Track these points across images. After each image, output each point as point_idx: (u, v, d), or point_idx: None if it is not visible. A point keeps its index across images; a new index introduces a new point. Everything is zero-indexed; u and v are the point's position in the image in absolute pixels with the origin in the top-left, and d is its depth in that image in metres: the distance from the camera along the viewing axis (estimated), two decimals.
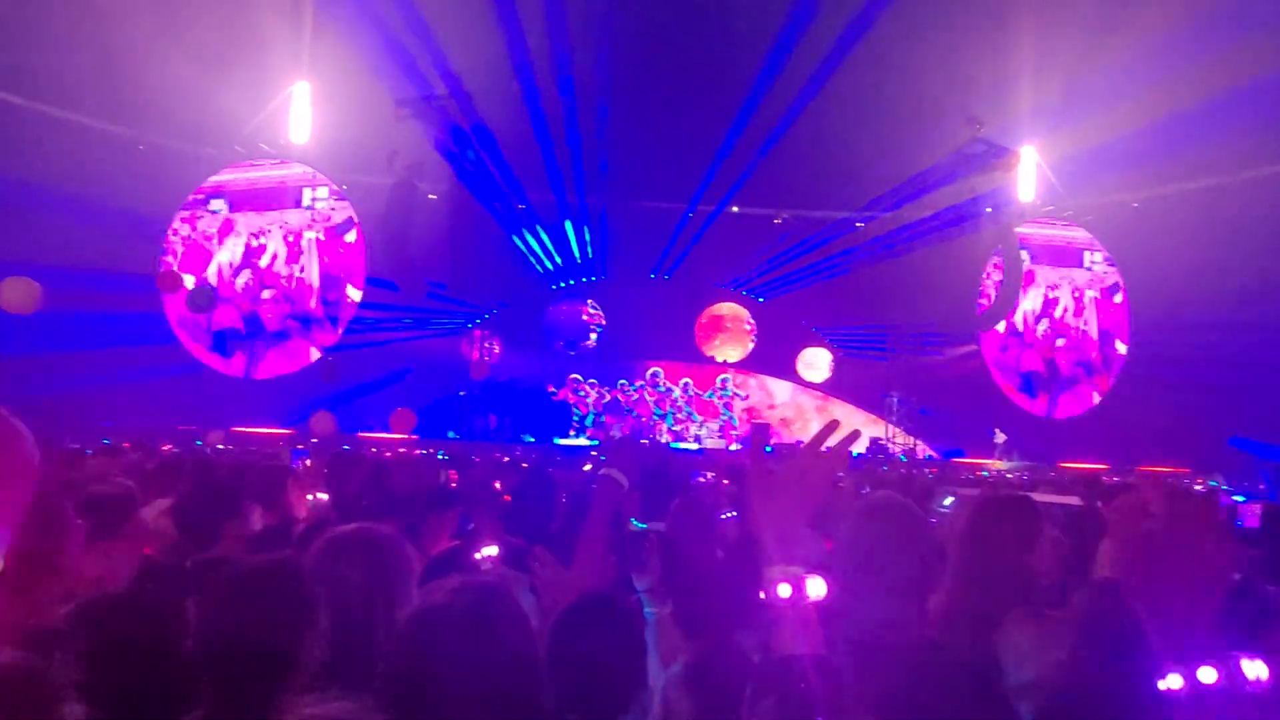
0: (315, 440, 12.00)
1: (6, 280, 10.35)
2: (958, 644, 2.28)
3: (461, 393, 18.46)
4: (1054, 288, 18.73)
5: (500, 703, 1.43)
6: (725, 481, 5.78)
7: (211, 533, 3.33)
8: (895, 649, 1.84)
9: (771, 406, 20.94)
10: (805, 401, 20.89)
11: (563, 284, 20.73)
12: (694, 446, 18.68)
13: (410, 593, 1.96)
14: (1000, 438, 13.81)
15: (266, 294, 17.21)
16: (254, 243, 17.25)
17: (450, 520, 3.74)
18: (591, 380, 20.39)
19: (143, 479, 4.66)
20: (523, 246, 19.55)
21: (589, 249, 20.06)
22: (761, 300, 20.84)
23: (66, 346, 13.62)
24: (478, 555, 2.97)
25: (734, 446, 18.83)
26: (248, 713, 1.59)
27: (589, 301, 20.66)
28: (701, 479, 6.04)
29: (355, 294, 17.52)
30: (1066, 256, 18.77)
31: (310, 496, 4.69)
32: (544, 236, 19.63)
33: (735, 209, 19.33)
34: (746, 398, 20.84)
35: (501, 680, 1.45)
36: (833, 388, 20.74)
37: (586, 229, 19.58)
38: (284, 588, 1.75)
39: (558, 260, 20.21)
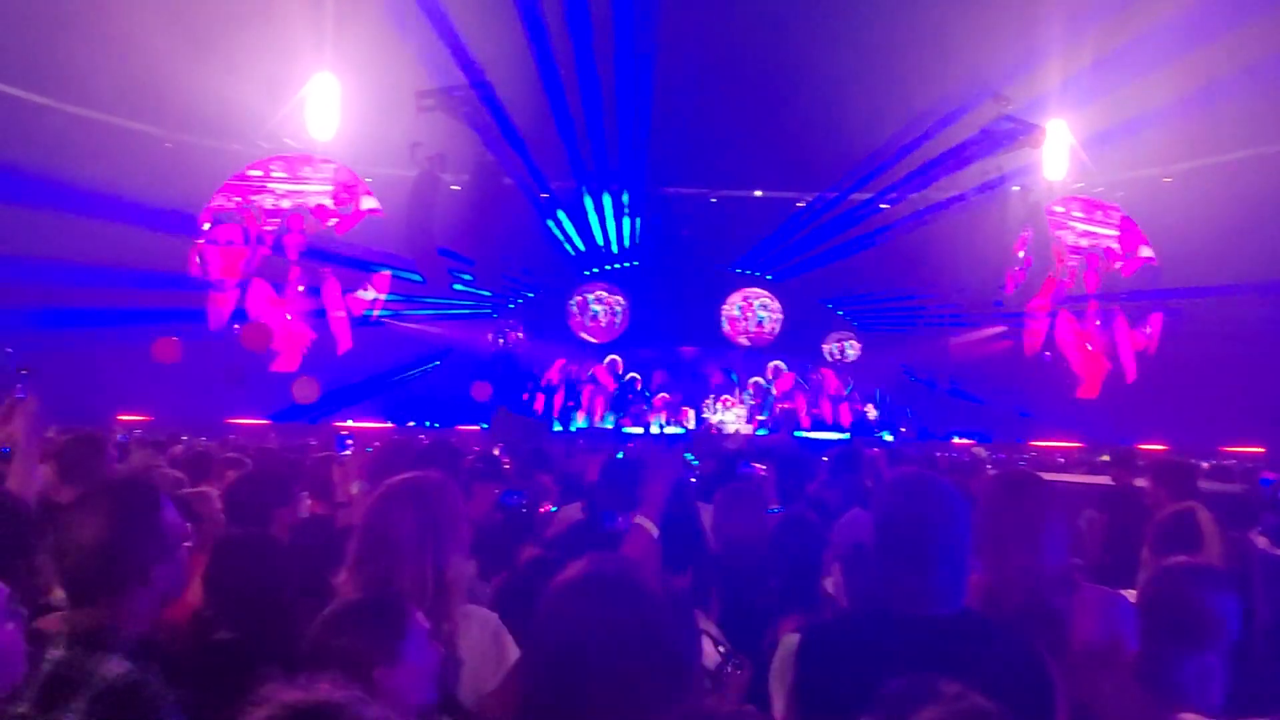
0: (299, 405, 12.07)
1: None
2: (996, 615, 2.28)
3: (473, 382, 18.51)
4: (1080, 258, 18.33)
5: (648, 677, 1.44)
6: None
7: (261, 519, 3.39)
8: (937, 620, 1.87)
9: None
10: None
11: (591, 270, 20.75)
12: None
13: (461, 536, 2.08)
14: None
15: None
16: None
17: (492, 491, 3.81)
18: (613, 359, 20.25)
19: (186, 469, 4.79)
20: (557, 233, 19.58)
21: (615, 236, 20.05)
22: (770, 278, 20.74)
23: (96, 342, 13.82)
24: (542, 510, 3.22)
25: (761, 431, 18.75)
26: None
27: (598, 288, 20.68)
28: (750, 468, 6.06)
29: None
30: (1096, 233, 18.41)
31: (354, 486, 4.76)
32: (568, 224, 19.64)
33: (758, 193, 19.23)
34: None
35: (646, 654, 1.46)
36: (857, 371, 20.57)
37: (612, 215, 19.55)
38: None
39: (581, 247, 20.21)
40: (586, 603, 1.47)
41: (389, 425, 14.93)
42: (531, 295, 20.46)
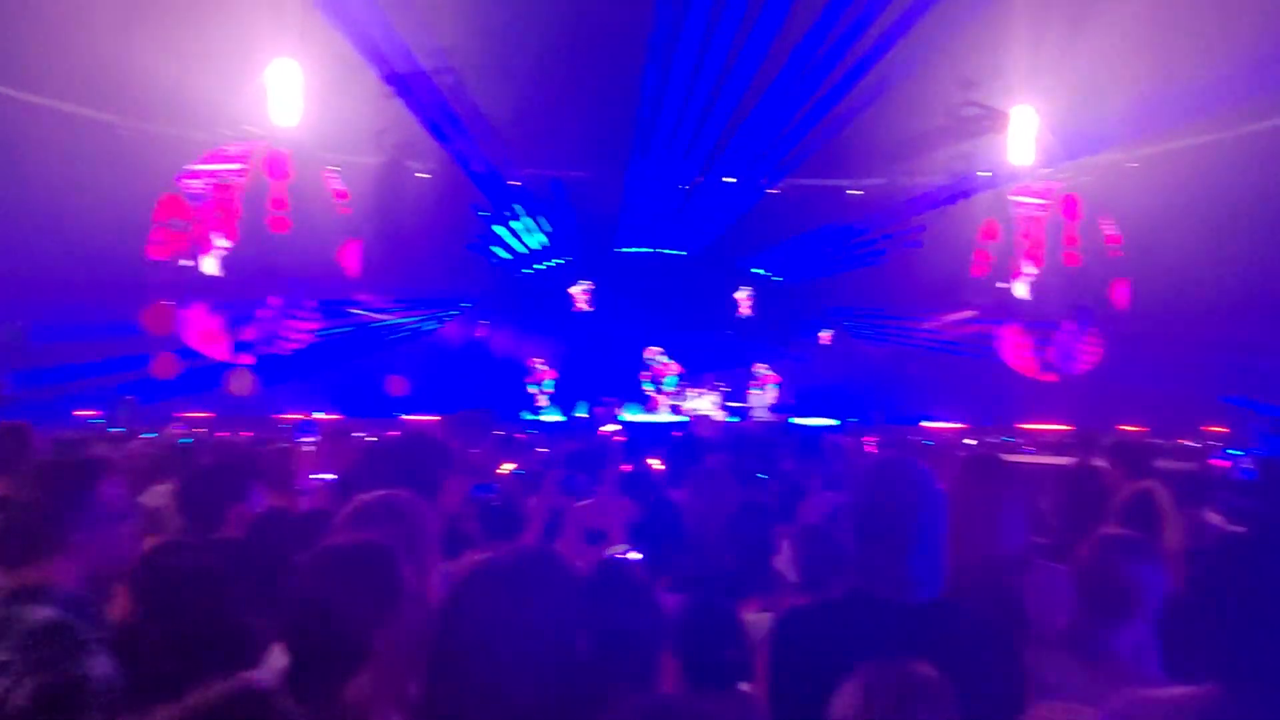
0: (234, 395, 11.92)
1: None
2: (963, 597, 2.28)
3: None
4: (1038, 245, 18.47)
5: (539, 663, 1.42)
6: None
7: (216, 515, 3.31)
8: (912, 605, 1.87)
9: None
10: None
11: (556, 261, 20.65)
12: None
13: (434, 554, 2.09)
14: None
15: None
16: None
17: (463, 484, 3.77)
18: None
19: (151, 465, 4.71)
20: (518, 224, 19.45)
21: (578, 226, 19.96)
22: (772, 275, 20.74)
23: (51, 338, 13.57)
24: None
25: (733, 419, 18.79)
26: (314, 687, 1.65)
27: (582, 282, 20.57)
28: None
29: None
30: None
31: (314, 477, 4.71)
32: (536, 215, 19.53)
33: (731, 179, 19.24)
34: None
35: (543, 641, 1.44)
36: None
37: (579, 206, 19.46)
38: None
39: (544, 241, 20.12)
40: (496, 590, 1.44)
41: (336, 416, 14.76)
42: (498, 281, 20.32)
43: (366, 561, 1.79)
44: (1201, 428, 13.96)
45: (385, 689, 1.74)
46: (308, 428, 8.42)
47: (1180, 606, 1.73)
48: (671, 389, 19.46)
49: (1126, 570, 2.14)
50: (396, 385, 15.13)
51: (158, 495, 3.96)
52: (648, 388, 19.45)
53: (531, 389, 18.93)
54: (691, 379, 19.66)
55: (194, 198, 15.41)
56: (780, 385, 19.56)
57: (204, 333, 15.19)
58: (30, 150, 13.11)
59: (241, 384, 12.50)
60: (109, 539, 1.98)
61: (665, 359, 19.61)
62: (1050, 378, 17.49)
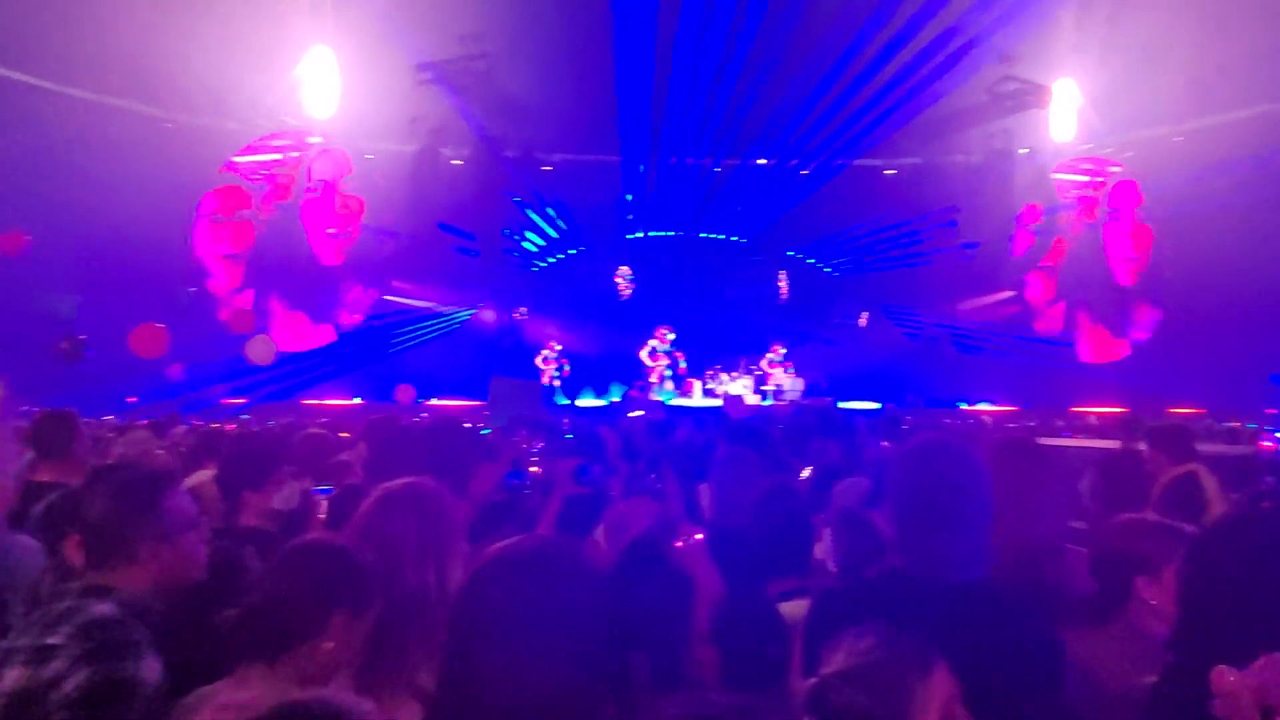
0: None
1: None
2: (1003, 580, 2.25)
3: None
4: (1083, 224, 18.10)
5: (564, 650, 1.41)
6: None
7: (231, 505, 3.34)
8: (949, 584, 1.83)
9: None
10: None
11: (573, 250, 20.60)
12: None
13: (459, 544, 2.06)
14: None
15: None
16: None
17: (497, 471, 3.78)
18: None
19: (192, 451, 4.79)
20: (550, 210, 19.45)
21: (617, 210, 19.91)
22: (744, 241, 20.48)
23: (96, 325, 13.82)
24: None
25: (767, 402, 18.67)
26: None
27: (621, 268, 20.52)
28: None
29: None
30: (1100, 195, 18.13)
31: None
32: (568, 197, 19.51)
33: (762, 161, 19.06)
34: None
35: (566, 627, 1.43)
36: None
37: (613, 189, 19.41)
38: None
39: (582, 221, 20.08)
40: (509, 578, 1.44)
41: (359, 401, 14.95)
42: (535, 270, 20.36)
43: (319, 559, 1.84)
44: (1266, 410, 13.51)
45: (344, 667, 1.78)
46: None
47: (1197, 589, 1.69)
48: (670, 376, 19.38)
49: (1140, 553, 2.10)
50: (404, 394, 15.22)
51: (200, 481, 4.04)
52: (661, 371, 19.26)
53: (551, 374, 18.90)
54: (727, 363, 19.56)
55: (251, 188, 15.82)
56: (794, 369, 19.33)
57: (288, 325, 15.35)
58: (83, 147, 13.38)
59: (263, 352, 12.19)
60: (178, 549, 2.02)
61: (669, 346, 19.49)
62: (1120, 352, 17.00)
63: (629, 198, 19.55)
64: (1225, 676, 0.81)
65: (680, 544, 2.65)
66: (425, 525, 2.00)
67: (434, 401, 16.37)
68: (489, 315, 12.69)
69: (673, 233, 20.56)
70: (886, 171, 18.35)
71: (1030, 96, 15.46)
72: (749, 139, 17.95)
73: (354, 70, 15.42)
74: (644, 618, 1.90)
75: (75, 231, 13.21)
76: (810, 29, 14.36)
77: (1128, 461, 4.03)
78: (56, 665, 1.73)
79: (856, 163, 17.95)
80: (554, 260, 20.50)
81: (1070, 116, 15.79)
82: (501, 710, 1.36)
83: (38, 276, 13.11)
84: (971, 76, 15.15)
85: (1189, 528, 2.18)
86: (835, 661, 1.41)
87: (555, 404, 17.09)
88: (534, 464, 4.18)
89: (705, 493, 3.62)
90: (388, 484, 2.11)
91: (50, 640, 1.77)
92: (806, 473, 4.63)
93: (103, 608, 1.85)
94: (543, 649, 1.37)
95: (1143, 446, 4.33)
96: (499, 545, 1.51)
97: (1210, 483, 3.67)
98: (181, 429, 7.68)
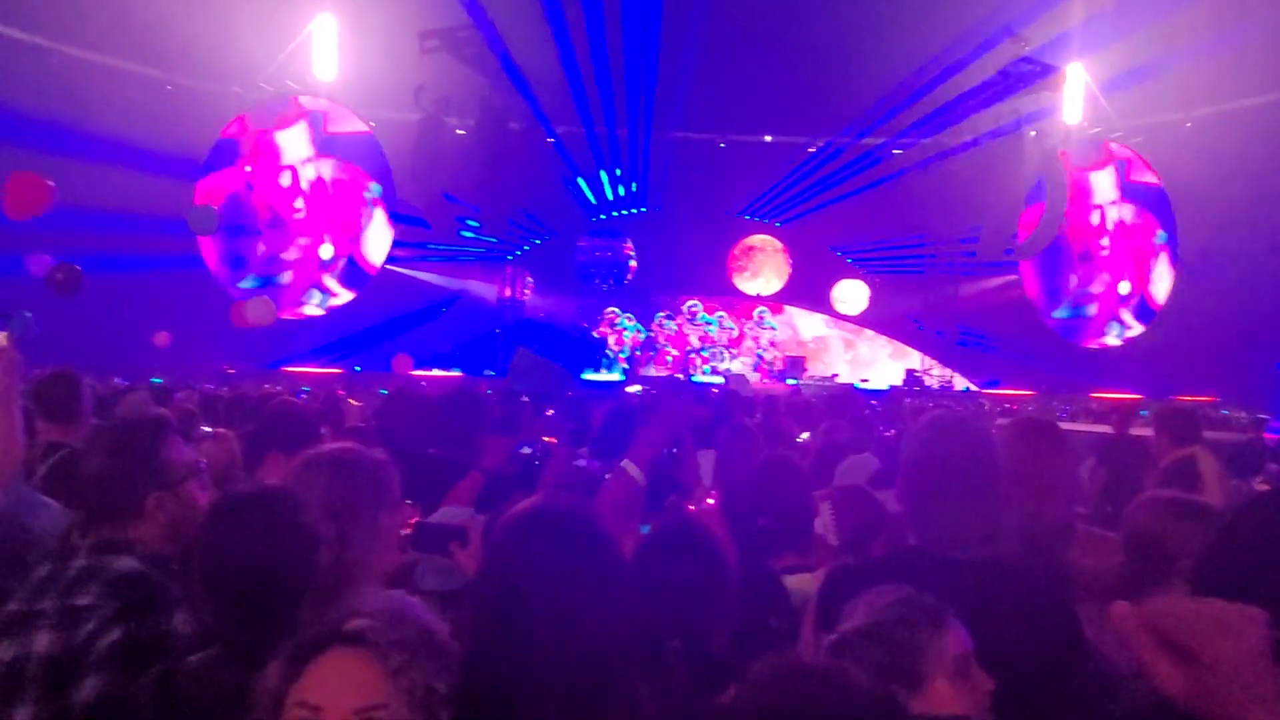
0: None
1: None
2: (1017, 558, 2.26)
3: (497, 330, 18.56)
4: (1092, 210, 17.99)
5: (593, 611, 1.41)
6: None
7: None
8: (963, 561, 1.82)
9: (800, 342, 20.82)
10: (833, 335, 20.86)
11: (597, 218, 20.54)
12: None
13: (385, 522, 1.94)
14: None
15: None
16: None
17: (508, 442, 3.78)
18: (629, 315, 20.28)
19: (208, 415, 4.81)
20: (555, 181, 19.36)
21: (620, 184, 19.80)
22: (780, 225, 20.47)
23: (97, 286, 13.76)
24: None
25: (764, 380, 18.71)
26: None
27: (625, 239, 20.47)
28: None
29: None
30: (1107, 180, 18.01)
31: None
32: (574, 169, 19.40)
33: (768, 138, 18.92)
34: (775, 330, 20.79)
35: (592, 587, 1.43)
36: (864, 320, 20.53)
37: (618, 163, 19.29)
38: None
39: (588, 193, 19.99)
40: (532, 536, 1.44)
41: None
42: (539, 242, 20.28)
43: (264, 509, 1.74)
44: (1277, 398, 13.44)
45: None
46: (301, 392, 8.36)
47: (1214, 567, 1.69)
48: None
49: (1174, 532, 2.11)
50: (401, 364, 15.13)
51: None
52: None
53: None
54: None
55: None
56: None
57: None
58: (91, 106, 13.28)
59: (262, 313, 11.76)
60: (182, 498, 1.97)
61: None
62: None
63: (618, 172, 19.48)
64: (1120, 609, 0.81)
65: (693, 507, 2.66)
66: (335, 496, 1.90)
67: (435, 372, 16.38)
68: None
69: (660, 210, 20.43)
70: (895, 152, 18.22)
71: (1042, 78, 15.30)
72: (755, 117, 17.82)
73: (357, 37, 15.26)
74: (677, 599, 1.91)
75: (78, 194, 13.12)
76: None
77: (1126, 446, 4.05)
78: (89, 626, 1.70)
79: (864, 141, 17.83)
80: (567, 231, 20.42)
81: (1081, 100, 15.66)
82: (539, 672, 1.36)
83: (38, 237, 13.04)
84: (984, 56, 14.99)
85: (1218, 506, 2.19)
86: (855, 618, 1.43)
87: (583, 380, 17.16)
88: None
89: (707, 460, 3.62)
90: (314, 449, 2.08)
91: (79, 601, 1.74)
92: (804, 437, 4.64)
93: (126, 563, 1.82)
94: (581, 603, 1.38)
95: (1140, 431, 4.34)
96: (527, 501, 1.51)
97: (1209, 466, 3.66)
98: (183, 393, 7.68)
